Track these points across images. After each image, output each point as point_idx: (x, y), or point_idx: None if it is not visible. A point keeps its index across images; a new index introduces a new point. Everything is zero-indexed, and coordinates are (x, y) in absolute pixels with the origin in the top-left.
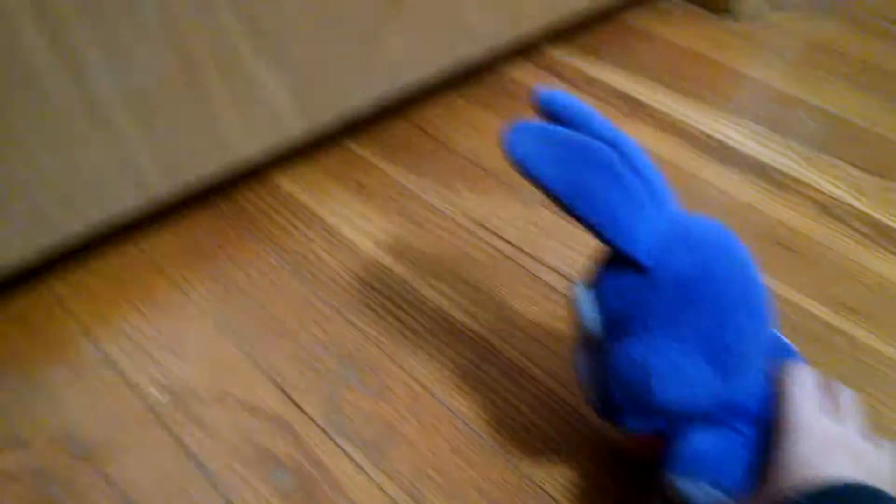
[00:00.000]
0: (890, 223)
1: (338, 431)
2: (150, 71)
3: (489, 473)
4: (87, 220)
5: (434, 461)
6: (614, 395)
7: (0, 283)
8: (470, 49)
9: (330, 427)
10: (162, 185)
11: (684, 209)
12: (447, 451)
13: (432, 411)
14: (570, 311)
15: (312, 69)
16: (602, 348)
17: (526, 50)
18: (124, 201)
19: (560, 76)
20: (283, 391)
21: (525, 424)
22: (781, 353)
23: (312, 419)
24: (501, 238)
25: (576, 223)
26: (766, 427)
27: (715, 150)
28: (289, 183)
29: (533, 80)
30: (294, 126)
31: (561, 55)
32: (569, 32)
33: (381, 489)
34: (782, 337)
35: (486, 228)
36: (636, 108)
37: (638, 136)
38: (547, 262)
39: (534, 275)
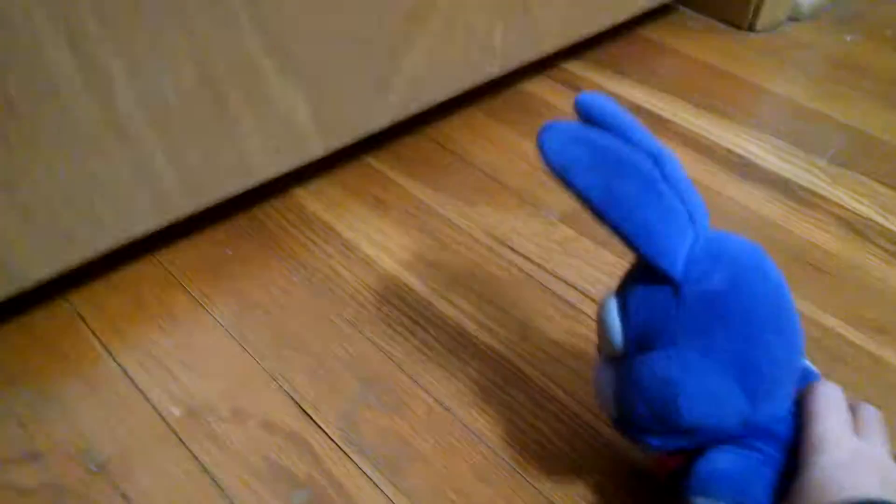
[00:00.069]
0: None
1: (355, 449)
2: (173, 89)
3: (508, 494)
4: (111, 237)
5: (453, 481)
6: (639, 412)
7: (17, 297)
8: (492, 68)
9: (347, 445)
10: (184, 204)
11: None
12: (466, 471)
13: (451, 430)
14: (596, 325)
15: (335, 88)
16: (627, 363)
17: (543, 64)
18: (146, 221)
19: (578, 91)
20: (301, 408)
21: (545, 444)
22: (808, 380)
23: (330, 436)
24: (521, 255)
25: (588, 240)
26: (790, 447)
27: (737, 165)
28: (307, 198)
29: (551, 94)
30: (316, 146)
31: (579, 69)
32: (586, 46)
33: None
34: (811, 365)
35: (506, 245)
36: (656, 123)
37: None
38: (568, 280)
39: (554, 293)
